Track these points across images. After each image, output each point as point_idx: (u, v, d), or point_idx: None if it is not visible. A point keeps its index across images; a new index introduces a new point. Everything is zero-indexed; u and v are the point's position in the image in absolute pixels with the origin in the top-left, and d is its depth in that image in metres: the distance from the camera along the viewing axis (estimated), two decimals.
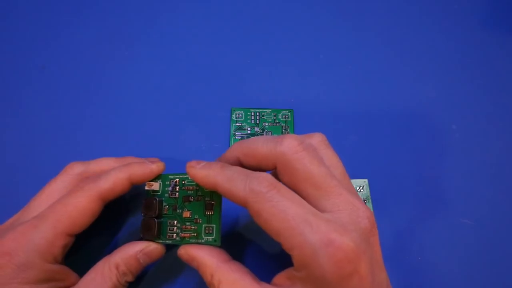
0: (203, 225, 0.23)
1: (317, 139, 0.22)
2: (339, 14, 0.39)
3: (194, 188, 0.24)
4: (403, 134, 0.33)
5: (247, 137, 0.32)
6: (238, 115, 0.33)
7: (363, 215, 0.20)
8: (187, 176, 0.24)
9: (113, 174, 0.24)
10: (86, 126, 0.33)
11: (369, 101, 0.34)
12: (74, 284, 0.23)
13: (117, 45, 0.37)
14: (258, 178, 0.20)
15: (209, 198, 0.24)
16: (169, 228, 0.24)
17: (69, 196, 0.23)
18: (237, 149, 0.23)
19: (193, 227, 0.24)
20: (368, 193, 0.30)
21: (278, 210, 0.19)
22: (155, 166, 0.25)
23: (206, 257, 0.22)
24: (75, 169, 0.25)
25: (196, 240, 0.23)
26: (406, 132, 0.33)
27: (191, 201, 0.24)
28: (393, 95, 0.35)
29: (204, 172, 0.22)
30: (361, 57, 0.37)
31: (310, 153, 0.20)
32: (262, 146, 0.21)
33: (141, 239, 0.24)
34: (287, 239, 0.19)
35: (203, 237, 0.23)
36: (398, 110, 0.34)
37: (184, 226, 0.24)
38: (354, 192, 0.21)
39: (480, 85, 0.35)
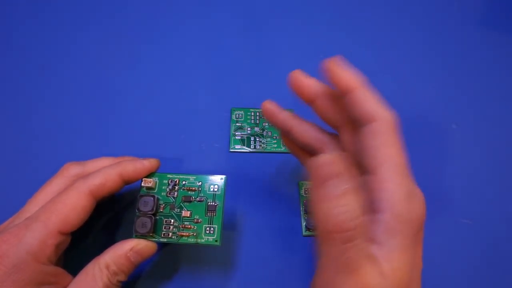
0: (204, 225, 0.24)
1: None
2: (338, 14, 0.39)
3: (196, 189, 0.25)
4: (403, 134, 0.33)
5: (247, 137, 0.32)
6: (238, 115, 0.33)
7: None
8: (187, 177, 0.25)
9: (104, 171, 0.24)
10: (86, 126, 0.33)
11: None
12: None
13: (117, 45, 0.37)
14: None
15: (211, 200, 0.24)
16: (165, 226, 0.24)
17: (60, 195, 0.23)
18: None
19: (192, 227, 0.24)
20: None
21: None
22: (147, 162, 0.25)
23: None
24: (71, 171, 0.25)
25: (195, 239, 0.23)
26: (406, 132, 0.33)
27: (191, 201, 0.24)
28: (393, 95, 0.35)
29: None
30: (360, 57, 0.37)
31: None
32: None
33: (135, 236, 0.24)
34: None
35: (203, 236, 0.23)
36: (398, 110, 0.34)
37: (182, 225, 0.24)
38: None
39: (480, 85, 0.35)
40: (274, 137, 0.32)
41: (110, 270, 0.22)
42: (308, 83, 0.22)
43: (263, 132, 0.32)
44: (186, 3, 0.40)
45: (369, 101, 0.19)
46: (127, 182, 0.25)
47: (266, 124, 0.33)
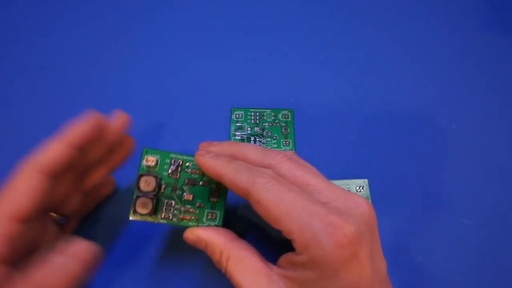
0: (206, 210, 0.23)
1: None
2: (339, 14, 0.39)
3: (200, 172, 0.24)
4: (403, 134, 0.33)
5: (247, 137, 0.32)
6: (238, 115, 0.33)
7: (359, 201, 0.20)
8: (191, 159, 0.24)
9: (48, 144, 0.22)
10: None
11: (369, 101, 0.34)
12: None
13: (117, 45, 0.37)
14: (260, 171, 0.21)
15: (215, 185, 0.24)
16: (166, 208, 0.23)
17: (11, 180, 0.21)
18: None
19: (194, 211, 0.23)
20: (368, 193, 0.30)
21: (277, 198, 0.19)
22: (92, 119, 0.22)
23: (214, 236, 0.22)
24: None
25: (196, 224, 0.23)
26: (406, 132, 0.33)
27: (195, 185, 0.24)
28: (393, 95, 0.35)
29: (212, 162, 0.22)
30: (361, 57, 0.37)
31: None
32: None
33: (133, 216, 0.23)
34: (287, 224, 0.19)
35: (205, 221, 0.23)
36: (398, 110, 0.34)
37: (184, 209, 0.23)
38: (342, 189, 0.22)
39: (480, 85, 0.35)
40: (274, 137, 0.32)
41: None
42: (209, 165, 0.22)
43: (263, 132, 0.32)
44: (186, 2, 0.40)
45: (237, 184, 0.21)
46: (82, 149, 0.22)
47: (266, 124, 0.33)
